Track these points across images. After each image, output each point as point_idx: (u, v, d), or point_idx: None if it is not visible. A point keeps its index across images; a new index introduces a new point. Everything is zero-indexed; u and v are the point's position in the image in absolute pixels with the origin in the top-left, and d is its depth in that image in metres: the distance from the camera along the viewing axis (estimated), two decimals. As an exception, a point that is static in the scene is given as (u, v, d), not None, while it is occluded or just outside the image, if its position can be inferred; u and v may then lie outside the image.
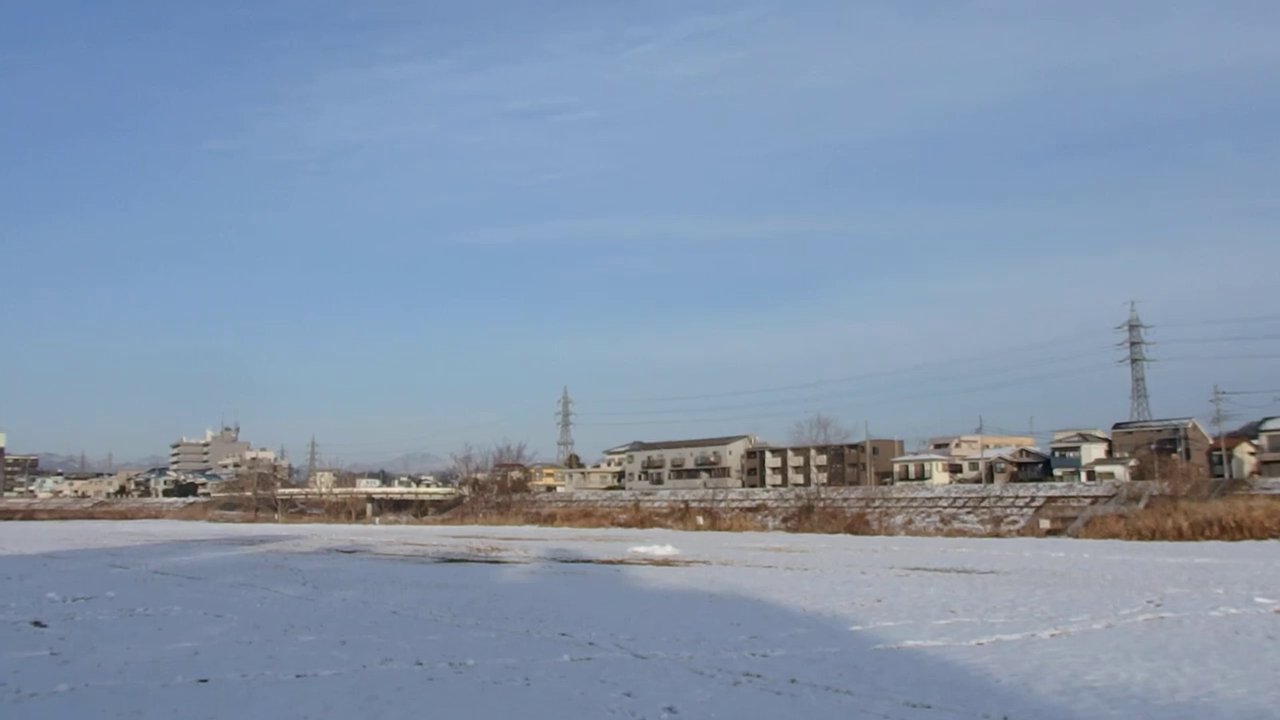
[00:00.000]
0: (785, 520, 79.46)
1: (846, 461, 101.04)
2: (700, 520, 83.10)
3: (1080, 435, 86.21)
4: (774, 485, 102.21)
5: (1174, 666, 12.53)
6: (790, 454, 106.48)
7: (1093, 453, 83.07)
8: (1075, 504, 67.57)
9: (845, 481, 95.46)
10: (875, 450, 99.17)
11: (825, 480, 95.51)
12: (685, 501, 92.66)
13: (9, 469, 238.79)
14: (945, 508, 73.35)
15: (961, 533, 64.60)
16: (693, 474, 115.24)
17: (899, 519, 72.67)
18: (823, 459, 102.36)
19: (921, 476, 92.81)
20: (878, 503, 78.09)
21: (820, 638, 15.31)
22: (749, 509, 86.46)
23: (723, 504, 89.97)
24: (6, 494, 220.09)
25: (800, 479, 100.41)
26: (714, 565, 34.01)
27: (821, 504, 80.00)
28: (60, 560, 35.58)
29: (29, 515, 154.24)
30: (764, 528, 77.80)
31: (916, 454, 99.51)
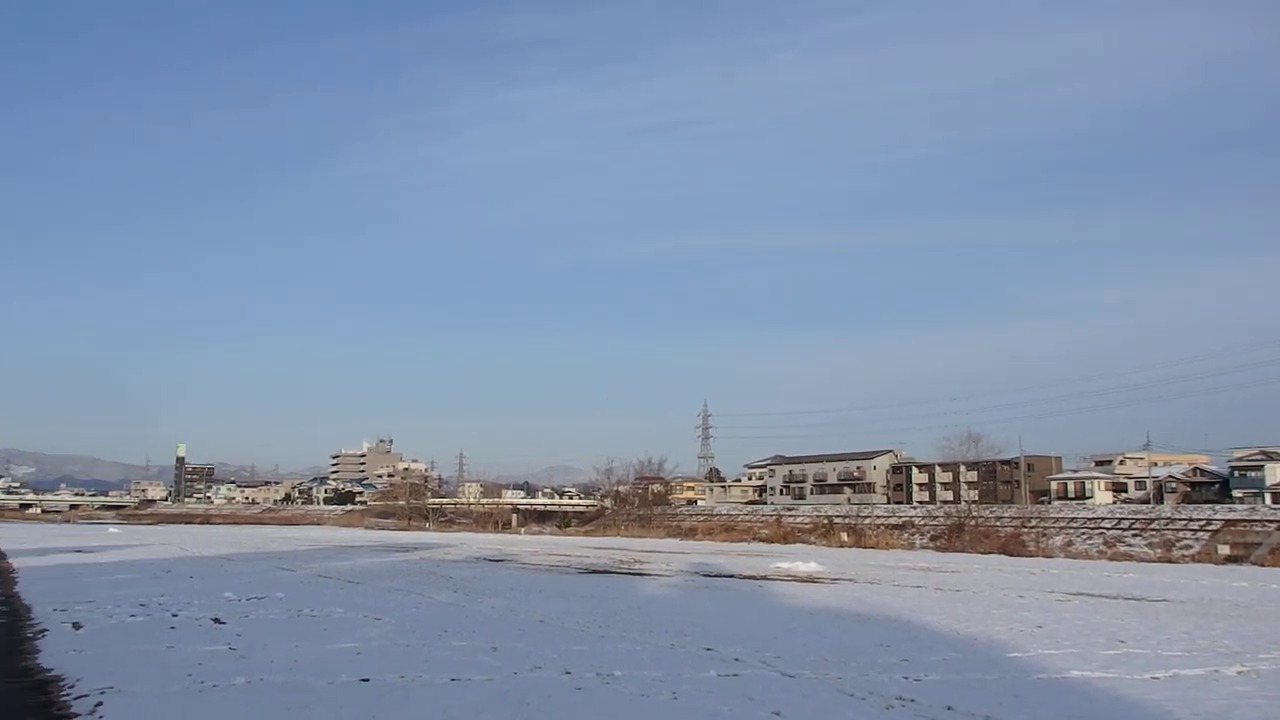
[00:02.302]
0: (934, 539, 77.15)
1: (999, 479, 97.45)
2: (844, 537, 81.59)
3: (1264, 453, 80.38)
4: (921, 502, 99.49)
5: (1375, 709, 11.52)
6: (938, 470, 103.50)
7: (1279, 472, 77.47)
8: (1259, 528, 63.07)
9: (998, 500, 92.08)
10: (1030, 467, 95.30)
11: (976, 498, 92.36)
12: (829, 517, 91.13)
13: (189, 477, 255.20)
14: (1109, 529, 69.74)
15: (1127, 556, 61.28)
16: (836, 489, 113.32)
17: (1058, 540, 69.52)
18: (973, 475, 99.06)
19: (1081, 496, 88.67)
20: (1034, 522, 74.91)
21: (976, 663, 14.79)
22: (895, 526, 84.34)
23: (868, 520, 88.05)
24: (186, 499, 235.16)
25: (949, 496, 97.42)
26: (860, 583, 33.31)
27: (973, 522, 77.33)
28: (234, 562, 37.66)
29: (206, 520, 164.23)
30: (911, 546, 75.75)
31: (1076, 471, 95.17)
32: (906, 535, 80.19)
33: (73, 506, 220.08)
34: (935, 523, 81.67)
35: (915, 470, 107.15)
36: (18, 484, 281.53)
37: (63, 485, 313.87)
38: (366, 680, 11.72)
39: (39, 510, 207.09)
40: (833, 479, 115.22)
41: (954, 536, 74.89)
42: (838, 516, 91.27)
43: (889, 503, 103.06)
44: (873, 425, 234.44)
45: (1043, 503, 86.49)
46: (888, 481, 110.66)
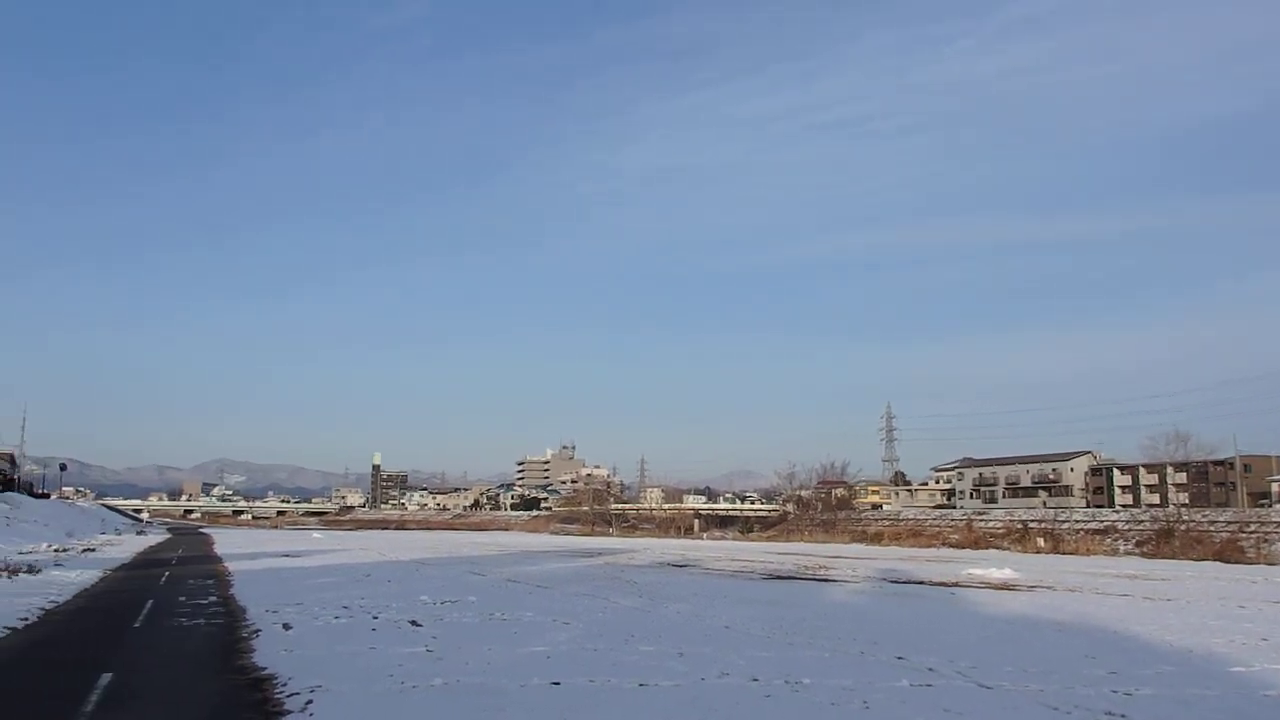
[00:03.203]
0: (1139, 544, 72.50)
1: (1211, 480, 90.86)
2: (1040, 542, 77.77)
3: None
4: (1124, 506, 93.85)
5: None
6: (1142, 471, 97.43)
7: None
8: None
9: (1210, 502, 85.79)
10: (1247, 468, 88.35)
11: (1185, 501, 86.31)
12: (1023, 521, 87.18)
13: (384, 484, 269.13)
14: (1339, 534, 63.73)
15: (1362, 563, 55.79)
16: (1029, 492, 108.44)
17: (1280, 546, 64.04)
18: (1181, 477, 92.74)
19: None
20: (1253, 527, 69.28)
21: (1193, 678, 13.74)
22: (1095, 531, 79.80)
23: (1065, 525, 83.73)
24: (382, 506, 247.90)
25: (1155, 499, 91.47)
26: (1059, 591, 31.65)
27: (1183, 527, 72.25)
28: (428, 567, 39.29)
29: (401, 525, 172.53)
30: (1114, 552, 71.45)
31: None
32: (1109, 541, 75.74)
33: (279, 513, 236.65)
34: (1140, 528, 76.83)
35: (1117, 472, 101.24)
36: (230, 491, 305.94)
37: (270, 492, 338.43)
38: (557, 684, 11.94)
39: (250, 516, 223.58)
40: (1026, 482, 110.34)
41: (1162, 542, 70.16)
42: (1032, 521, 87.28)
43: (1088, 506, 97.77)
44: (1066, 426, 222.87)
45: (1262, 506, 79.96)
46: (1086, 484, 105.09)
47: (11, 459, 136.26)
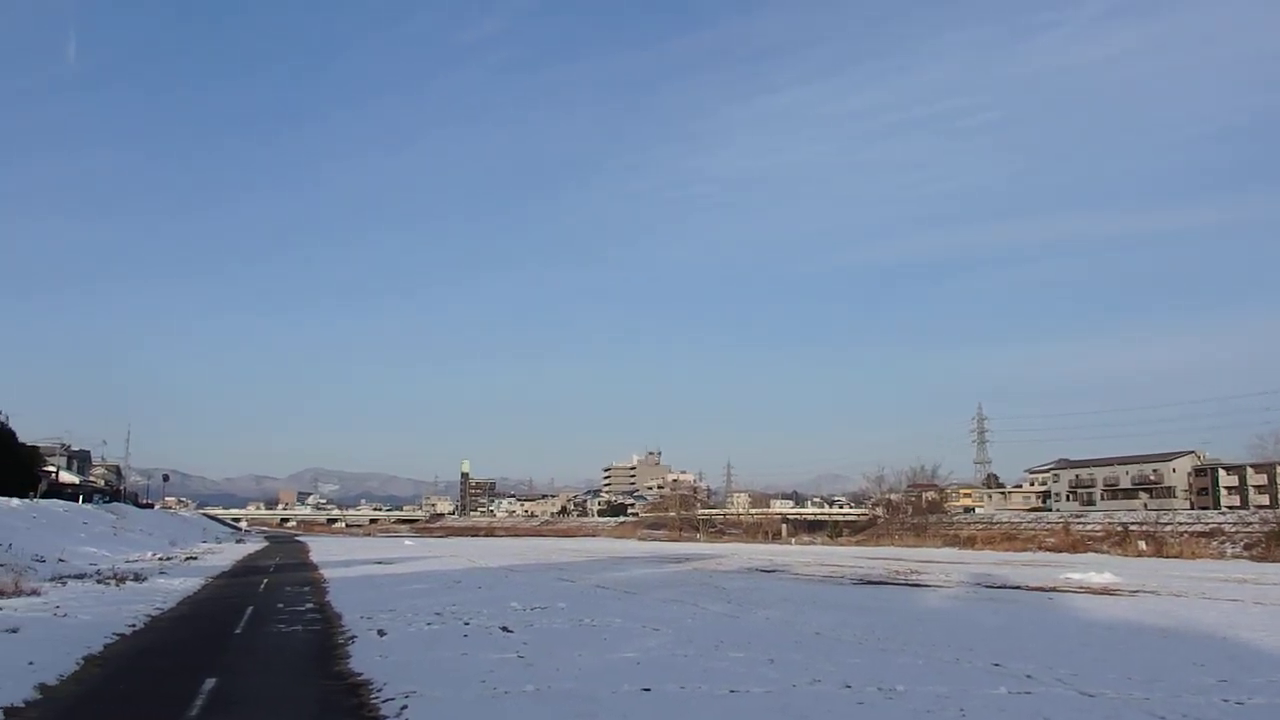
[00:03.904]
0: (1248, 547, 69.63)
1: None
2: (1142, 545, 75.26)
3: None
4: (1230, 507, 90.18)
5: None
6: (1250, 471, 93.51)
7: None
8: None
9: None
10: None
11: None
12: (1123, 524, 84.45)
13: (473, 491, 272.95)
14: None
15: None
16: (1129, 494, 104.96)
17: (1402, 548, 60.84)
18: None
19: None
20: (1371, 528, 66.02)
21: (1310, 686, 13.12)
22: (1201, 534, 76.87)
23: (1168, 527, 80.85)
24: (471, 513, 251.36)
25: (1264, 500, 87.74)
26: (1163, 596, 30.57)
27: (1295, 529, 69.16)
28: (517, 573, 39.63)
29: (489, 532, 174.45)
30: (1221, 555, 68.74)
31: None
32: (1215, 544, 72.91)
33: (372, 520, 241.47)
34: (1249, 530, 73.77)
35: (1223, 472, 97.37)
36: (324, 500, 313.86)
37: (362, 500, 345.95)
38: (648, 690, 11.93)
39: (343, 525, 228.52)
40: (1125, 483, 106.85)
41: (1273, 545, 67.29)
42: (1133, 523, 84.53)
43: (1192, 508, 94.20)
44: (1166, 425, 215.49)
45: (1382, 505, 76.13)
46: (1189, 485, 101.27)
47: (118, 471, 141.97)
